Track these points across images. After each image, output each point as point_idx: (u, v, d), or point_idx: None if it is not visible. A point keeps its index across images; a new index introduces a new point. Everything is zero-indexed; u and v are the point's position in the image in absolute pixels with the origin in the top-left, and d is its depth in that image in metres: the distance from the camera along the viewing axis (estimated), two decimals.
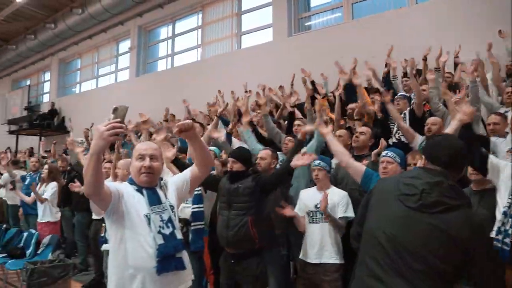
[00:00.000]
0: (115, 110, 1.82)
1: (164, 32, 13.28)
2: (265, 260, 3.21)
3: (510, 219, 2.51)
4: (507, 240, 2.48)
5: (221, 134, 4.05)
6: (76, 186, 4.56)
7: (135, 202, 2.11)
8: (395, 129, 4.56)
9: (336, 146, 3.07)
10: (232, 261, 3.20)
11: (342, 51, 7.89)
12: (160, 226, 2.08)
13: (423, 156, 1.86)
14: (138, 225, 2.06)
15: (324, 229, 3.37)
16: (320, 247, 3.34)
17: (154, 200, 2.15)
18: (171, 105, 9.58)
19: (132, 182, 2.20)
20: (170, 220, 2.14)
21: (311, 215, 3.45)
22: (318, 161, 3.51)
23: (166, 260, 2.05)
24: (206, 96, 8.70)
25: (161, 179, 2.32)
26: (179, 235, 2.15)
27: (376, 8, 8.61)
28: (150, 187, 2.19)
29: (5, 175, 7.53)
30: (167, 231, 2.09)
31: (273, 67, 9.18)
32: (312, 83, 6.40)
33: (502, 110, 4.20)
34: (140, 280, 2.00)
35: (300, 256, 3.48)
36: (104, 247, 4.52)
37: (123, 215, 2.05)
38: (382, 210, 1.76)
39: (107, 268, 4.62)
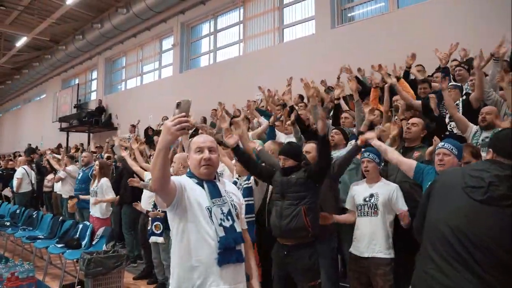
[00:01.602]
0: (178, 104, 1.83)
1: (206, 28, 13.45)
2: (317, 252, 3.21)
3: None
4: None
5: (256, 145, 4.03)
6: (135, 181, 4.68)
7: (197, 195, 2.14)
8: (447, 119, 4.41)
9: (382, 146, 3.18)
10: (285, 252, 3.21)
11: (387, 42, 7.72)
12: (221, 219, 2.11)
13: (487, 149, 1.80)
14: (201, 218, 2.09)
15: (373, 223, 3.33)
16: (369, 240, 3.32)
17: (215, 193, 2.18)
18: (213, 100, 9.67)
19: (191, 175, 2.22)
20: (230, 213, 2.16)
21: (359, 208, 3.43)
22: (368, 153, 3.47)
23: (228, 252, 2.07)
24: (248, 90, 8.75)
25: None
26: (238, 228, 2.17)
27: None
28: (210, 180, 2.22)
29: (69, 168, 7.91)
30: (227, 224, 2.12)
31: (316, 60, 9.10)
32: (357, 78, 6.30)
33: None
34: (203, 271, 2.03)
35: (351, 250, 3.45)
36: (152, 239, 4.68)
37: (186, 208, 2.07)
38: (446, 202, 1.73)
39: (156, 259, 4.85)
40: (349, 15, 9.68)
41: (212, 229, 2.08)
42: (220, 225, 2.09)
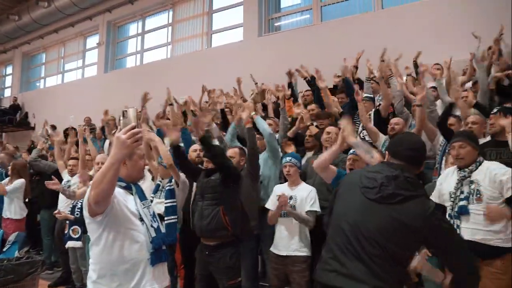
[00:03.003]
0: (125, 113, 1.83)
1: (133, 28, 13.16)
2: (238, 251, 3.35)
3: (455, 220, 2.75)
4: None
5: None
6: (53, 184, 4.45)
7: (126, 198, 2.16)
8: (360, 128, 4.77)
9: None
10: (207, 252, 3.31)
11: (311, 52, 8.11)
12: (150, 220, 2.19)
13: (386, 152, 2.04)
14: (132, 221, 2.12)
15: (292, 223, 3.52)
16: (288, 240, 3.50)
17: (142, 195, 2.25)
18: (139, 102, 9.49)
19: (119, 179, 2.16)
20: (154, 214, 2.26)
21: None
22: (290, 158, 3.68)
23: (158, 252, 2.16)
24: (176, 94, 8.70)
25: None
26: (163, 229, 2.29)
27: (344, 12, 8.89)
28: (136, 183, 2.27)
29: None
30: (155, 225, 2.21)
31: (243, 67, 9.26)
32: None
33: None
34: (137, 273, 2.08)
35: (271, 249, 3.62)
36: (69, 244, 4.53)
37: (117, 214, 2.07)
38: (347, 201, 1.95)
39: (73, 265, 4.68)
40: (276, 24, 10.04)
41: (144, 230, 2.14)
42: (151, 226, 2.17)
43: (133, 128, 1.78)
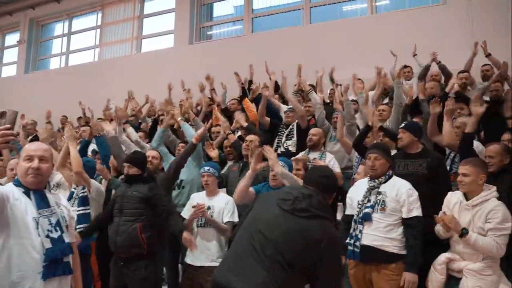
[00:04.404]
0: (2, 114, 1.78)
1: (59, 28, 12.57)
2: (154, 262, 3.30)
3: (359, 226, 2.94)
4: (357, 243, 2.89)
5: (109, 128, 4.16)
6: None
7: (22, 205, 2.03)
8: (283, 139, 4.93)
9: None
10: (121, 263, 3.24)
11: (241, 62, 8.23)
12: (48, 230, 2.04)
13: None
14: (25, 230, 1.98)
15: (208, 233, 3.49)
16: (203, 250, 3.46)
17: (42, 203, 2.09)
18: (63, 106, 9.11)
19: (18, 184, 2.10)
20: (58, 223, 2.10)
21: (197, 220, 3.54)
22: (208, 167, 3.67)
23: (53, 265, 2.01)
24: (103, 98, 8.44)
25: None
26: (67, 239, 2.12)
27: (274, 24, 9.18)
28: (38, 190, 2.13)
29: None
30: (55, 235, 2.06)
31: (172, 74, 9.19)
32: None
33: None
34: (25, 287, 1.93)
35: (186, 259, 3.58)
36: None
37: (8, 221, 1.95)
38: (261, 209, 2.12)
39: None
40: (208, 33, 10.10)
41: (38, 241, 2.00)
42: (47, 236, 2.02)
43: (8, 129, 1.74)
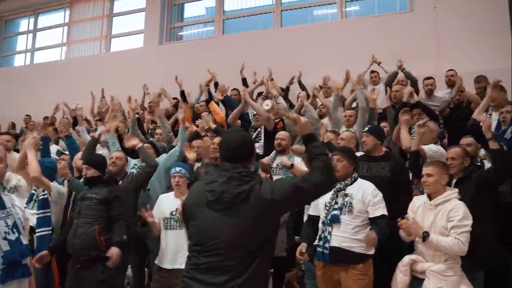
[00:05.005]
0: None
1: (24, 24, 12.17)
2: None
3: (327, 227, 2.96)
4: (326, 245, 2.92)
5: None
6: None
7: None
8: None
9: None
10: (78, 265, 3.16)
11: (211, 64, 8.20)
12: (5, 232, 2.00)
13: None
14: None
15: (178, 236, 3.43)
16: (174, 253, 3.40)
17: None
18: (27, 104, 8.85)
19: None
20: (15, 225, 2.06)
21: (166, 222, 3.49)
22: (180, 168, 3.62)
23: (12, 267, 1.98)
24: (70, 98, 8.25)
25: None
26: (24, 241, 2.09)
27: (245, 27, 9.21)
28: None
29: None
30: (13, 237, 2.02)
31: (142, 74, 9.07)
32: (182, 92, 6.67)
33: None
34: None
35: (156, 261, 3.52)
36: None
37: None
38: (201, 220, 1.94)
39: None
40: (179, 33, 10.02)
41: None
42: (5, 238, 1.98)
43: None
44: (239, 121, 5.25)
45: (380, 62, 6.15)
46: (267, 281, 2.00)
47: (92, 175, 3.31)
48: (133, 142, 4.06)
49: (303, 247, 3.08)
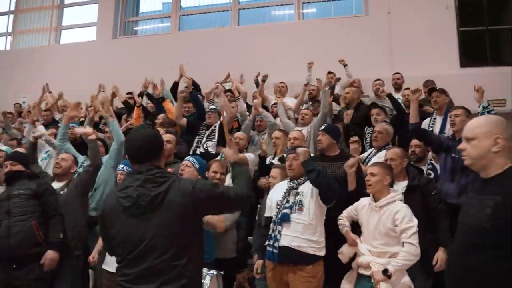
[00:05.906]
0: None
1: None
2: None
3: (278, 226, 2.94)
4: (276, 244, 2.89)
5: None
6: None
7: None
8: (203, 139, 4.84)
9: None
10: (14, 266, 3.00)
11: (166, 60, 8.05)
12: None
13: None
14: None
15: None
16: None
17: None
18: None
19: None
20: None
21: None
22: (123, 165, 3.52)
23: None
24: (16, 91, 7.85)
25: None
26: None
27: (202, 24, 9.10)
28: None
29: None
30: None
31: (94, 68, 8.78)
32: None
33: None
34: None
35: (103, 266, 3.39)
36: None
37: None
38: (122, 228, 1.82)
39: None
40: (134, 28, 9.79)
41: None
42: None
43: None
44: (184, 119, 5.17)
45: (346, 65, 6.19)
46: (200, 285, 1.92)
47: (18, 170, 3.24)
48: (87, 130, 3.89)
49: (258, 266, 3.08)
